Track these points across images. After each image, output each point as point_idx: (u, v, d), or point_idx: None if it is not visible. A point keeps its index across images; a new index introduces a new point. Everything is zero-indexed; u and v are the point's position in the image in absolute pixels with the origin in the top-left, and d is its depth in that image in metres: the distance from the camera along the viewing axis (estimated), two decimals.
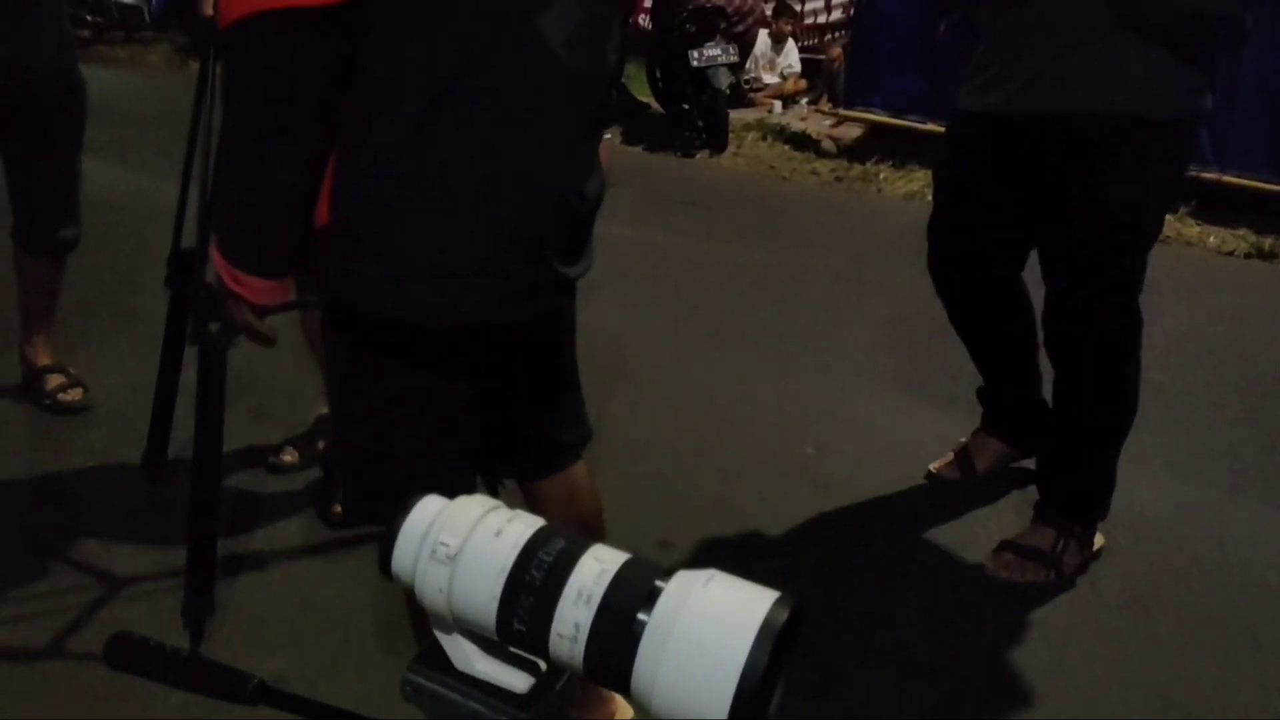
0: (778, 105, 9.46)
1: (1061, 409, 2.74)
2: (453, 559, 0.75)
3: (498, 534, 0.74)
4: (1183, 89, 2.41)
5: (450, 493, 1.71)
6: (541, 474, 1.85)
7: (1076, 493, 2.76)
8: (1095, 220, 2.51)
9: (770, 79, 9.86)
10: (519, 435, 1.81)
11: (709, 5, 7.90)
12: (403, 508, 0.78)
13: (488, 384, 1.65)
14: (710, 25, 7.90)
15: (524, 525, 0.75)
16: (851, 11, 8.98)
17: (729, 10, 8.00)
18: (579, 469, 1.89)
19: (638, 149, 8.20)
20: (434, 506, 0.78)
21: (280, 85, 1.37)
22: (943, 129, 2.98)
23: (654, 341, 4.24)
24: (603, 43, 1.51)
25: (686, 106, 8.31)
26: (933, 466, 3.22)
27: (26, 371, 3.35)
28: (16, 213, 3.27)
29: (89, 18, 11.96)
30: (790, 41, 9.89)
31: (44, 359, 3.36)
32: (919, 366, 4.04)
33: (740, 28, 8.22)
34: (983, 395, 3.18)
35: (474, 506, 0.78)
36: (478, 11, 1.37)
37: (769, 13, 9.82)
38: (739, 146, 8.18)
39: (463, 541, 0.75)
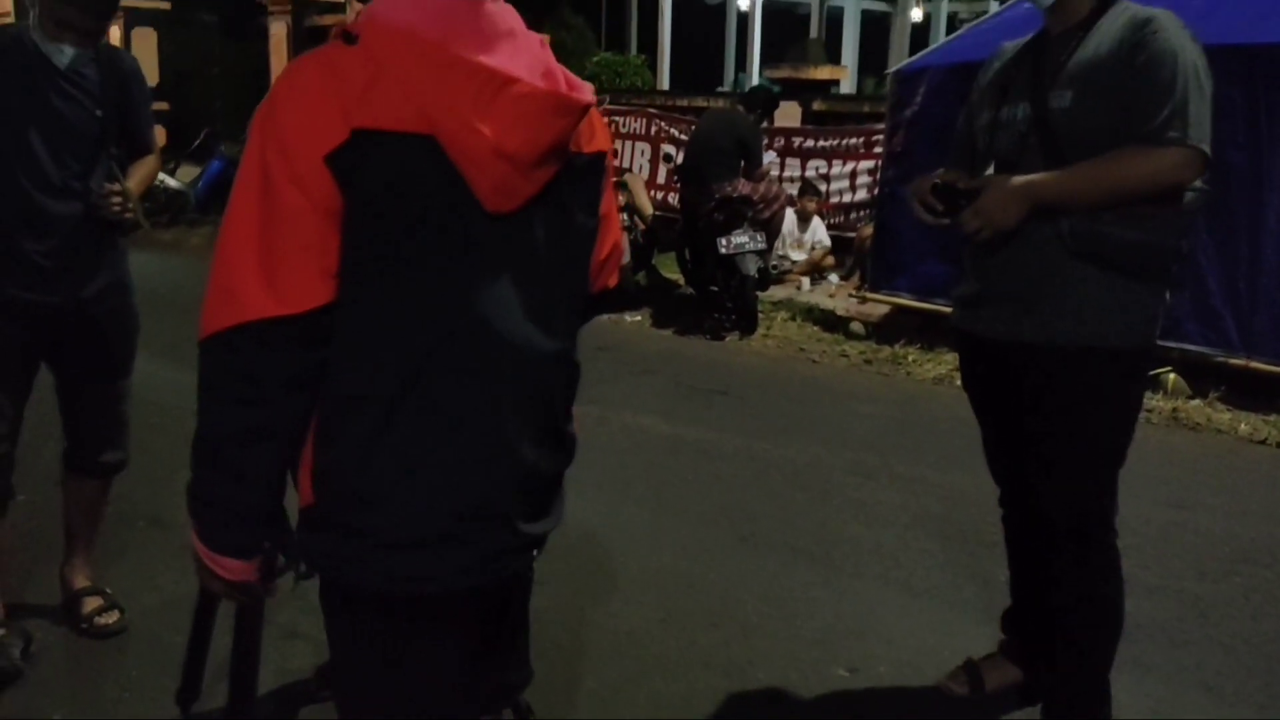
0: (806, 282, 9.63)
1: (1049, 626, 2.80)
2: None
3: None
4: (1140, 317, 2.60)
5: None
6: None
7: (1072, 711, 2.79)
8: (1056, 445, 2.67)
9: (798, 255, 10.04)
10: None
11: (735, 194, 8.09)
12: None
13: (473, 638, 1.73)
14: (737, 214, 8.08)
15: None
16: (876, 191, 9.14)
17: (754, 198, 8.18)
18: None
19: (668, 332, 8.33)
20: None
21: (254, 390, 1.48)
22: None
23: (683, 547, 4.25)
24: (555, 323, 1.64)
25: (715, 289, 8.47)
26: (940, 683, 3.22)
27: (64, 595, 3.41)
28: (67, 435, 3.38)
29: None
30: (816, 219, 10.11)
31: (81, 581, 3.42)
32: (949, 574, 4.02)
33: (766, 214, 8.38)
34: (1007, 621, 3.20)
35: None
36: (434, 309, 1.50)
37: (795, 192, 10.06)
38: (769, 328, 8.27)
39: None
